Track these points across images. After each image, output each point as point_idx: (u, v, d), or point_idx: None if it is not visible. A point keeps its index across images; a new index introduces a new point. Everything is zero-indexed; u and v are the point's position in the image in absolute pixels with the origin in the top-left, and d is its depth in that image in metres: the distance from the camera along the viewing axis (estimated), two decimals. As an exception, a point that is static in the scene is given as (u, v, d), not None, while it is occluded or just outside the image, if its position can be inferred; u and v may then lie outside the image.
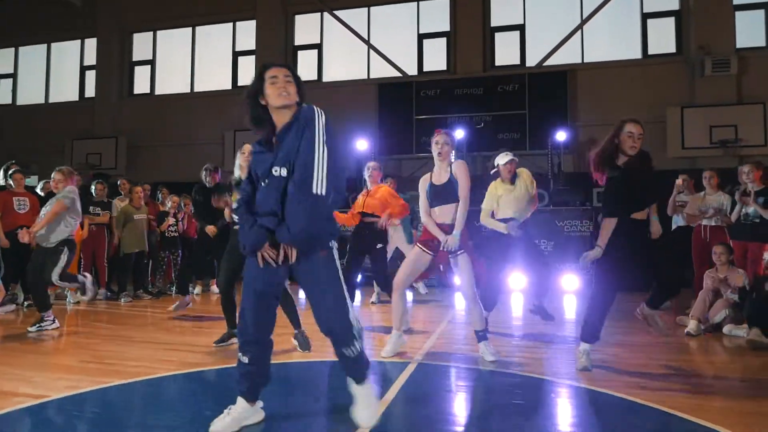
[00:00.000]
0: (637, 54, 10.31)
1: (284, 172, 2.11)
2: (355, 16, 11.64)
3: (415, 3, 11.37)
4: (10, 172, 5.82)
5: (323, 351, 3.77)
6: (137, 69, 13.18)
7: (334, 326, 2.18)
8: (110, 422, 2.44)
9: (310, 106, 2.16)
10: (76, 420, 2.48)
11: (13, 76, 14.10)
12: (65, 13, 13.14)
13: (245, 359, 2.25)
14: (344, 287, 2.22)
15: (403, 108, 10.88)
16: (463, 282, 3.66)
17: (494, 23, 10.97)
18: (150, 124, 12.57)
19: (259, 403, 2.37)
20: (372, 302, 6.37)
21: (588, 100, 10.26)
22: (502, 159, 4.45)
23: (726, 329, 4.45)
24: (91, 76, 13.33)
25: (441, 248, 3.62)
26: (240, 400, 2.30)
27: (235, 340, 3.89)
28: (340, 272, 2.23)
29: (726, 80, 9.47)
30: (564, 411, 2.71)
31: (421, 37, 11.33)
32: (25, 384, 2.99)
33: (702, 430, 2.35)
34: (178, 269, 6.77)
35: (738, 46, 9.60)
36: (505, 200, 4.39)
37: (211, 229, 4.90)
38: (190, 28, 12.72)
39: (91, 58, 13.35)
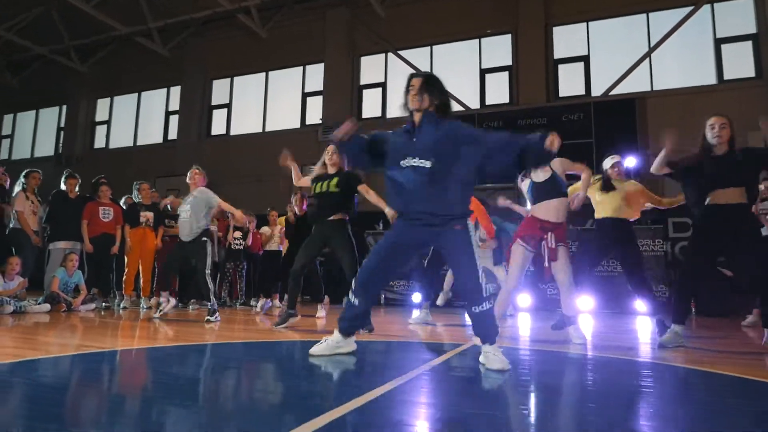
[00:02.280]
0: (711, 80, 9.93)
1: (427, 164, 2.55)
2: (418, 54, 12.05)
3: (477, 40, 11.65)
4: (99, 185, 6.32)
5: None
6: (215, 112, 14.17)
7: (467, 285, 2.57)
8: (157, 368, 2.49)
9: (456, 122, 2.67)
10: (125, 364, 2.56)
11: (108, 122, 15.55)
12: (155, 65, 14.48)
13: (356, 301, 2.75)
14: (476, 256, 2.58)
15: (466, 140, 10.92)
16: (560, 272, 3.65)
17: (557, 55, 10.99)
18: (225, 161, 13.32)
19: (353, 338, 2.86)
20: (438, 304, 6.24)
21: (660, 127, 9.86)
22: (607, 162, 4.50)
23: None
24: (174, 120, 14.45)
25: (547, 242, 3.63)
26: (336, 333, 2.80)
27: (292, 320, 4.04)
28: (474, 243, 2.60)
29: (813, 101, 8.89)
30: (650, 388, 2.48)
31: (483, 72, 11.51)
32: (96, 342, 3.13)
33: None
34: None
35: (825, 65, 9.05)
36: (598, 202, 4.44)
37: None
38: (264, 74, 13.61)
39: (174, 104, 14.54)
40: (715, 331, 4.92)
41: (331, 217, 4.19)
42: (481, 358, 2.61)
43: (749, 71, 9.73)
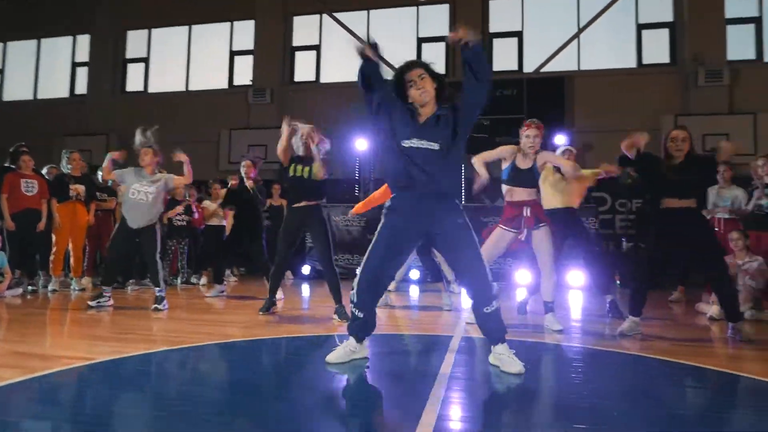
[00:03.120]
0: (632, 63, 10.58)
1: (435, 146, 2.55)
2: (354, 18, 11.69)
3: (415, 8, 11.51)
4: (19, 153, 5.64)
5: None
6: (130, 66, 12.99)
7: (474, 283, 2.56)
8: (162, 380, 2.35)
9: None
10: (131, 378, 2.39)
11: (1, 71, 13.77)
12: (58, 9, 12.91)
13: (360, 314, 2.66)
14: (480, 252, 2.58)
15: (403, 110, 10.91)
16: (543, 254, 3.73)
17: (492, 29, 11.16)
18: (143, 122, 12.17)
19: (366, 342, 2.79)
20: (389, 290, 6.30)
21: (584, 106, 10.46)
22: (558, 151, 4.69)
23: (747, 314, 4.52)
24: (82, 73, 13.09)
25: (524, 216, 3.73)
26: (351, 339, 2.71)
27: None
28: (475, 237, 2.58)
29: (718, 91, 9.77)
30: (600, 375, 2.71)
31: (420, 41, 11.45)
32: (67, 349, 2.87)
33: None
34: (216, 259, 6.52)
35: (729, 58, 9.92)
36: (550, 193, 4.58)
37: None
38: (187, 27, 12.60)
39: (82, 55, 13.14)
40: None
41: (307, 203, 4.19)
42: (492, 359, 2.61)
43: (665, 58, 10.48)
